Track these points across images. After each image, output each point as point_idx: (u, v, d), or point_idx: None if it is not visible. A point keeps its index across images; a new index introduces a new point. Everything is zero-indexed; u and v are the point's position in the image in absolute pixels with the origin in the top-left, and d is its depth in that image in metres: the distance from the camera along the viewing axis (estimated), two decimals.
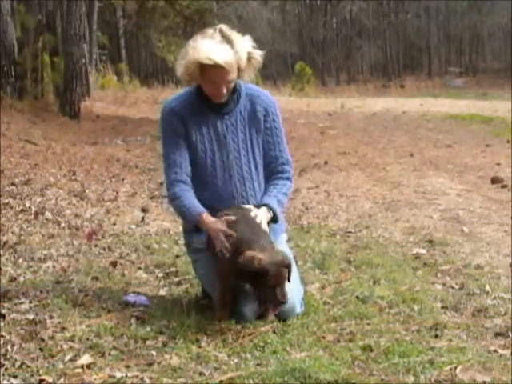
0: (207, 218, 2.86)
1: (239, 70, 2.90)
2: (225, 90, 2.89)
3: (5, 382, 2.18)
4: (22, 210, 4.99)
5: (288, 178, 3.09)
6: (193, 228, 2.97)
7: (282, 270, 2.69)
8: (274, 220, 2.97)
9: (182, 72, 2.88)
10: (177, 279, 3.47)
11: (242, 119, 3.01)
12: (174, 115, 2.96)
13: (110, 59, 26.32)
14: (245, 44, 2.90)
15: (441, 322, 2.88)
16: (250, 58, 2.91)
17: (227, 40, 2.84)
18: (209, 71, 2.81)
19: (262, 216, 2.88)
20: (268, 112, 3.04)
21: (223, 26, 2.90)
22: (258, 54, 2.94)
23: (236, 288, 2.83)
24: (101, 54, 25.62)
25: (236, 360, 2.44)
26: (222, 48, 2.81)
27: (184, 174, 2.94)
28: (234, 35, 2.88)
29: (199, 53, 2.79)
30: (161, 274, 3.62)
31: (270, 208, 2.94)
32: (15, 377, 2.22)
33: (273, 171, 3.06)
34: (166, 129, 2.99)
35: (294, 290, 2.92)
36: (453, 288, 3.47)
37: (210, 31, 2.88)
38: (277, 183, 3.05)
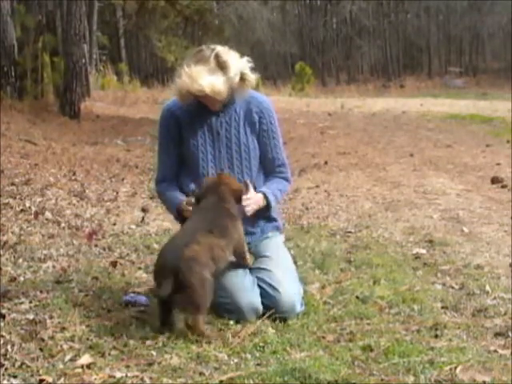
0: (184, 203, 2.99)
1: (232, 89, 2.96)
2: (217, 107, 3.02)
3: (5, 382, 2.18)
4: (22, 210, 4.99)
5: (285, 178, 3.19)
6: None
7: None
8: (266, 210, 3.05)
9: (177, 92, 2.97)
10: None
11: (236, 117, 3.08)
12: (170, 116, 3.11)
13: (110, 59, 26.30)
14: (239, 66, 2.95)
15: (441, 321, 2.88)
16: (243, 79, 2.97)
17: (221, 66, 2.89)
18: (200, 96, 2.93)
19: (256, 199, 2.97)
20: (264, 114, 3.11)
21: (220, 51, 2.93)
22: (252, 77, 3.00)
23: (234, 284, 2.84)
24: (101, 54, 25.62)
25: (236, 360, 2.44)
26: (213, 78, 2.86)
27: (170, 174, 3.13)
28: (230, 59, 2.93)
29: (191, 83, 2.86)
30: None
31: (265, 197, 3.03)
32: (15, 377, 2.22)
33: (271, 172, 3.17)
34: (161, 130, 3.16)
35: (293, 290, 2.93)
36: (453, 288, 3.47)
37: (206, 53, 2.92)
38: (275, 180, 3.15)
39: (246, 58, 3.01)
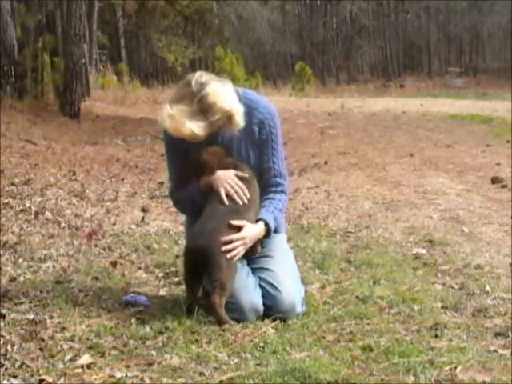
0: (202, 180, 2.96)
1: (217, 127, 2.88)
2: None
3: (5, 381, 2.18)
4: (22, 210, 4.99)
5: (282, 191, 3.10)
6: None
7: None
8: (265, 236, 3.00)
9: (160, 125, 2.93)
10: (177, 279, 3.47)
11: (237, 131, 2.97)
12: None
13: (110, 59, 26.33)
14: (225, 109, 2.81)
15: (441, 321, 2.88)
16: (230, 120, 2.86)
17: (205, 111, 2.78)
18: None
19: (253, 231, 2.90)
20: (264, 124, 3.02)
21: (206, 93, 2.78)
22: (239, 120, 2.87)
23: (236, 283, 2.84)
24: (101, 54, 25.62)
25: (236, 360, 2.43)
26: (193, 124, 2.77)
27: (181, 183, 3.06)
28: (216, 103, 2.78)
29: (171, 126, 2.81)
30: (161, 274, 3.62)
31: (266, 224, 2.96)
32: (15, 377, 2.21)
33: (266, 183, 3.07)
34: (166, 143, 3.13)
35: (294, 290, 2.93)
36: (453, 288, 3.47)
37: (192, 92, 2.79)
38: (273, 197, 3.06)
39: (236, 99, 2.86)
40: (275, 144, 3.06)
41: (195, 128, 2.78)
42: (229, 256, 2.78)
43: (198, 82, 2.81)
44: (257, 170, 3.04)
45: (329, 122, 14.68)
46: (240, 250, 2.83)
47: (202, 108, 2.78)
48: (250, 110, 2.97)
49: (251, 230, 2.90)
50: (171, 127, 2.82)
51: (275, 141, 3.06)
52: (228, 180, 2.93)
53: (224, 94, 2.83)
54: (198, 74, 2.86)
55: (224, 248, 2.78)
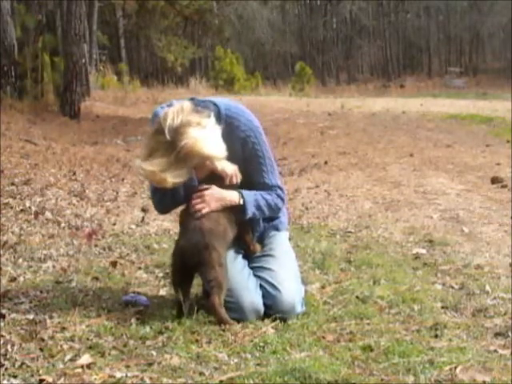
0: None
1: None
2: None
3: (5, 381, 2.18)
4: (21, 210, 5.00)
5: (278, 195, 3.06)
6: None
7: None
8: (241, 211, 2.92)
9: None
10: None
11: None
12: None
13: (110, 59, 26.38)
14: (203, 157, 2.71)
15: (441, 321, 2.88)
16: (210, 160, 2.78)
17: (183, 158, 2.64)
18: None
19: (220, 192, 2.86)
20: (247, 142, 2.94)
21: (188, 142, 2.62)
22: (219, 159, 2.79)
23: (238, 284, 2.84)
24: (101, 54, 25.65)
25: (236, 360, 2.43)
26: (173, 175, 2.67)
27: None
28: (194, 151, 2.65)
29: (154, 181, 2.73)
30: (161, 274, 3.62)
31: (241, 196, 2.91)
32: (15, 377, 2.21)
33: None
34: None
35: (294, 290, 2.93)
36: (453, 288, 3.47)
37: (167, 140, 2.62)
38: (263, 191, 3.01)
39: (215, 141, 2.72)
40: (262, 159, 3.00)
41: (177, 179, 2.69)
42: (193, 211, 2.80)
43: (171, 128, 2.64)
44: (247, 185, 2.96)
45: (329, 122, 14.68)
46: (200, 208, 2.81)
47: (181, 157, 2.65)
48: (231, 128, 2.88)
49: (216, 190, 2.85)
50: (155, 182, 2.74)
51: (262, 156, 2.99)
52: (235, 168, 2.91)
53: (202, 141, 2.67)
54: (169, 116, 2.66)
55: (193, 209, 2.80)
